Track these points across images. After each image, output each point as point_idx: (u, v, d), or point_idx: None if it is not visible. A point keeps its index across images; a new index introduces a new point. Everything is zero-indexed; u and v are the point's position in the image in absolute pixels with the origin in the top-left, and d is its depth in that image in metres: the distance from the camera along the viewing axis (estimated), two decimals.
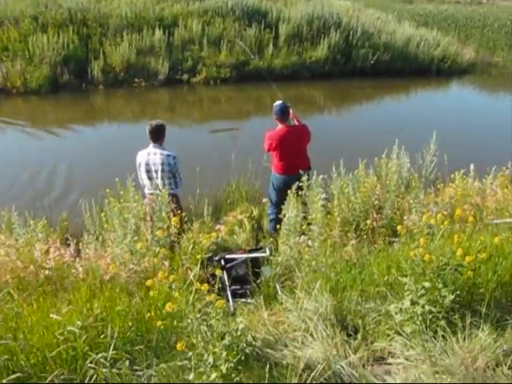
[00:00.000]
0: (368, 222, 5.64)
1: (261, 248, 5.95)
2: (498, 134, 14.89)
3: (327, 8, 22.99)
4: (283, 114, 7.06)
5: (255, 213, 8.13)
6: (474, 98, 21.36)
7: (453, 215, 5.53)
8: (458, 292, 3.36)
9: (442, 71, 22.81)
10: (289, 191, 5.60)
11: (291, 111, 7.32)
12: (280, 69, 19.74)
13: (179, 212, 6.48)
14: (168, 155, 6.60)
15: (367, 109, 18.93)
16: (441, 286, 3.32)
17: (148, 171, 6.67)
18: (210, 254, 6.09)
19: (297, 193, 5.77)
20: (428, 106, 18.48)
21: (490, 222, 5.64)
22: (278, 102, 7.18)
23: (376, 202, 6.08)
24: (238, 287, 5.39)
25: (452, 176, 6.91)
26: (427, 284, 3.33)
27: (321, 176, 6.06)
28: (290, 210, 5.20)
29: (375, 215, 5.79)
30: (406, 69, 21.95)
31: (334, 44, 20.88)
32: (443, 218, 3.73)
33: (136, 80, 18.40)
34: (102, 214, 5.92)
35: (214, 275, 5.61)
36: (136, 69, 18.66)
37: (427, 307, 3.35)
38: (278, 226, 5.93)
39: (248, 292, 5.14)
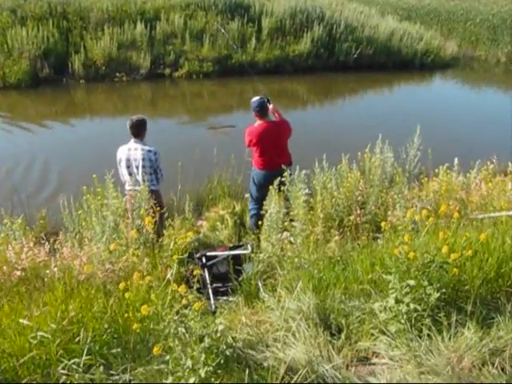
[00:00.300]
0: (351, 217, 5.56)
1: (242, 245, 5.84)
2: (480, 127, 14.95)
3: (310, 2, 22.85)
4: (261, 110, 6.92)
5: (237, 208, 8.01)
6: (457, 91, 21.38)
7: (437, 210, 5.48)
8: (444, 290, 3.28)
9: (425, 65, 22.85)
10: (270, 187, 5.50)
11: (272, 106, 7.18)
12: (263, 63, 19.63)
13: (159, 209, 6.36)
14: (149, 150, 6.44)
15: (350, 103, 18.91)
16: (426, 283, 3.23)
17: (128, 167, 6.51)
18: (190, 251, 6.03)
19: (279, 188, 5.67)
20: (411, 100, 18.51)
21: (474, 217, 5.59)
22: (256, 98, 7.02)
23: (359, 198, 6.00)
24: (219, 285, 5.28)
25: (436, 170, 6.82)
26: (412, 282, 3.25)
27: (303, 171, 5.96)
28: (272, 206, 5.10)
29: (359, 211, 5.70)
30: (389, 63, 21.99)
31: (317, 38, 20.80)
32: (428, 213, 3.63)
33: (117, 74, 18.21)
34: (80, 212, 5.76)
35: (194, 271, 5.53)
36: (117, 63, 18.46)
37: (412, 305, 3.26)
38: (259, 222, 5.82)
39: (230, 290, 5.04)
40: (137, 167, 6.45)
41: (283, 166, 5.82)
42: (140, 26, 19.20)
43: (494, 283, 3.69)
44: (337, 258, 4.78)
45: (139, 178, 6.37)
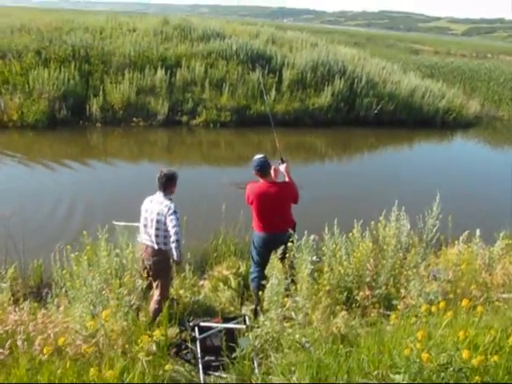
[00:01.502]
0: (361, 293, 5.09)
1: (238, 317, 5.36)
2: (504, 190, 14.47)
3: (332, 55, 22.88)
4: (261, 170, 6.41)
5: (242, 269, 7.54)
6: (479, 152, 20.98)
7: (456, 289, 5.02)
8: None
9: (447, 123, 22.55)
10: (273, 254, 5.07)
11: (283, 166, 6.72)
12: (282, 114, 19.44)
13: (161, 272, 5.95)
14: (166, 206, 6.00)
15: (368, 160, 18.55)
16: None
17: (145, 218, 6.11)
18: (183, 318, 5.61)
19: (283, 256, 5.26)
20: (431, 161, 18.12)
21: (498, 298, 5.11)
22: (258, 156, 6.51)
23: (371, 269, 5.52)
24: (212, 358, 4.81)
25: (456, 242, 6.35)
26: None
27: (312, 236, 5.54)
28: (274, 277, 4.66)
29: (370, 283, 5.24)
30: (410, 120, 21.70)
31: (337, 92, 20.64)
32: (445, 305, 3.18)
33: (134, 119, 18.11)
34: (64, 271, 5.34)
35: (188, 341, 5.08)
36: (135, 108, 18.38)
37: None
38: (260, 292, 5.36)
39: (223, 365, 4.59)
40: (151, 220, 6.04)
41: (288, 230, 5.41)
42: (160, 72, 19.22)
43: None
44: (342, 338, 4.32)
45: (151, 232, 5.97)
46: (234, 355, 4.41)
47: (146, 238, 6.04)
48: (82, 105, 17.83)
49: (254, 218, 6.56)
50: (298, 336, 4.33)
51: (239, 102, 19.29)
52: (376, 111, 20.88)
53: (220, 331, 4.92)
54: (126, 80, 18.53)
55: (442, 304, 3.18)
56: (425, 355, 2.75)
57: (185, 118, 18.64)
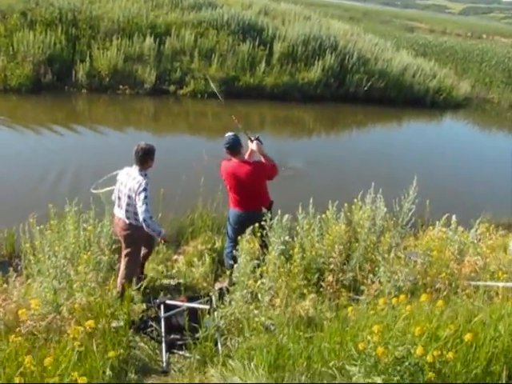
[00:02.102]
0: (330, 276, 5.01)
1: (205, 296, 5.25)
2: (488, 173, 14.49)
3: (325, 30, 22.60)
4: (231, 148, 6.20)
5: (218, 244, 7.44)
6: (467, 133, 20.94)
7: (426, 276, 4.97)
8: None
9: (437, 103, 22.44)
10: (247, 233, 4.97)
11: (254, 145, 6.55)
12: (271, 87, 19.21)
13: (130, 246, 5.86)
14: (138, 182, 5.86)
15: (355, 137, 18.47)
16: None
17: (119, 190, 5.98)
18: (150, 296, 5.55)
19: (255, 234, 5.18)
20: (419, 140, 18.04)
21: (468, 284, 5.06)
22: (228, 134, 6.35)
23: (343, 252, 5.43)
24: (178, 337, 4.74)
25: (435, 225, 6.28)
26: (379, 380, 2.72)
27: (286, 216, 5.45)
28: (243, 257, 4.57)
29: (341, 266, 5.17)
30: (400, 98, 21.59)
31: (328, 67, 20.39)
32: (405, 298, 3.10)
33: (121, 87, 17.76)
34: (27, 245, 5.23)
35: (154, 318, 5.01)
36: (122, 75, 18.01)
37: None
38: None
39: (186, 345, 4.53)
40: (124, 195, 5.92)
41: (263, 209, 5.32)
42: (149, 40, 18.81)
43: (482, 381, 3.14)
44: (308, 321, 4.27)
45: (123, 206, 5.85)
46: (197, 335, 4.36)
47: (118, 210, 5.93)
48: (68, 70, 17.42)
49: (229, 195, 6.48)
50: (263, 318, 4.27)
51: (228, 73, 19.01)
52: (366, 88, 20.68)
53: (185, 310, 4.84)
54: (113, 46, 18.11)
55: (401, 297, 3.10)
56: (380, 349, 2.68)
57: (172, 88, 18.33)
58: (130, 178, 5.84)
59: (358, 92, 20.73)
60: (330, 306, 4.75)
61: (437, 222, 6.20)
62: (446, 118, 22.65)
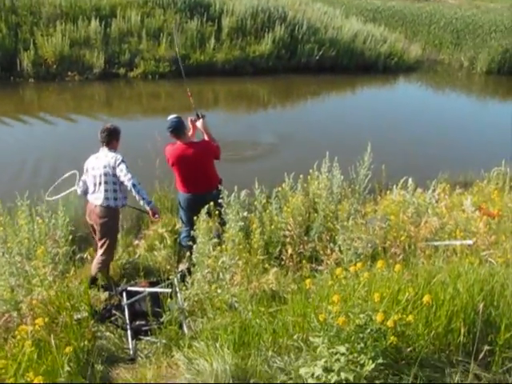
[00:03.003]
0: (290, 250, 4.98)
1: (166, 280, 5.18)
2: (442, 135, 14.64)
3: (273, 1, 22.34)
4: (175, 131, 6.14)
5: (178, 226, 7.35)
6: (420, 96, 21.08)
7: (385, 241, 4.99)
8: (380, 359, 2.73)
9: (389, 68, 22.56)
10: (202, 213, 4.90)
11: (200, 122, 6.48)
12: (222, 63, 19.03)
13: (108, 232, 5.80)
14: (112, 157, 5.74)
15: (311, 107, 18.37)
16: (359, 351, 2.69)
17: (93, 176, 5.86)
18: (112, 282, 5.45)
19: (209, 214, 5.12)
20: (373, 106, 18.09)
21: (427, 245, 5.10)
22: (171, 117, 6.24)
23: (302, 224, 5.40)
24: (143, 323, 4.68)
25: (388, 192, 6.31)
26: (342, 349, 2.70)
27: (243, 192, 5.41)
28: (200, 237, 4.51)
29: (301, 238, 5.15)
30: (352, 65, 21.63)
31: (278, 38, 20.27)
32: (363, 265, 3.08)
33: (69, 73, 17.40)
34: None
35: (117, 306, 4.94)
36: (70, 61, 17.62)
37: (343, 375, 2.72)
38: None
39: (151, 331, 4.47)
40: (100, 176, 5.79)
41: (213, 189, 5.28)
42: (94, 23, 18.32)
43: (444, 338, 3.17)
44: (273, 296, 4.25)
45: (101, 188, 5.76)
46: (162, 320, 4.31)
47: (95, 196, 5.84)
48: (13, 59, 16.90)
49: (177, 180, 6.38)
50: (227, 297, 4.24)
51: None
52: (317, 57, 20.63)
53: (147, 295, 4.77)
54: (57, 32, 17.62)
55: (359, 265, 3.08)
56: (341, 319, 2.67)
57: (122, 71, 17.99)
58: (101, 160, 5.80)
59: (309, 62, 20.67)
60: (293, 279, 4.73)
61: (394, 186, 6.22)
62: (398, 81, 22.77)
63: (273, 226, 5.07)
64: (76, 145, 10.87)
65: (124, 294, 4.90)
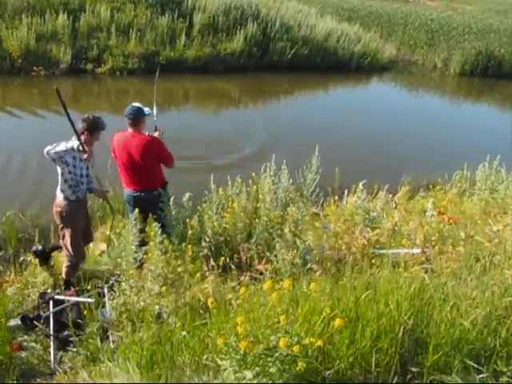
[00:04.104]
0: (221, 259, 4.74)
1: (98, 288, 4.93)
2: (411, 136, 14.57)
3: None
4: (133, 119, 5.82)
5: (128, 227, 7.09)
6: (393, 96, 21.01)
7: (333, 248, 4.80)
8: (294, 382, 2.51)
9: (362, 67, 22.44)
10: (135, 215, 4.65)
11: (156, 134, 6.23)
12: (192, 60, 18.74)
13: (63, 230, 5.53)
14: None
15: (282, 106, 18.17)
16: (267, 376, 2.47)
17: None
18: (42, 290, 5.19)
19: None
20: (344, 105, 17.99)
21: (373, 253, 4.91)
22: (135, 104, 5.97)
23: (243, 230, 5.16)
24: (70, 333, 4.42)
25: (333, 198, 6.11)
26: (249, 374, 2.48)
27: (187, 194, 5.18)
28: (131, 241, 4.27)
29: (242, 244, 4.93)
30: (325, 64, 21.50)
31: (250, 36, 20.05)
32: (290, 283, 2.84)
33: (35, 68, 16.93)
34: None
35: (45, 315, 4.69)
36: (36, 56, 17.17)
37: None
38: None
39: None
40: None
41: (155, 189, 5.04)
42: (62, 17, 17.90)
43: (370, 360, 2.96)
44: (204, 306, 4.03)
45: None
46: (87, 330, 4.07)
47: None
48: None
49: (120, 175, 6.09)
50: (156, 307, 4.01)
51: (148, 48, 18.42)
52: (290, 56, 20.42)
53: (74, 304, 4.52)
54: (23, 25, 17.18)
55: (286, 283, 2.81)
56: (243, 343, 2.45)
57: (90, 66, 17.61)
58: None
59: (282, 60, 20.47)
60: (232, 287, 4.51)
61: (345, 191, 6.03)
62: (372, 81, 22.71)
63: (211, 232, 4.83)
64: (42, 140, 10.61)
65: (51, 303, 4.63)
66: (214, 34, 19.84)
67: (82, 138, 5.31)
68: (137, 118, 5.84)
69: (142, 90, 17.93)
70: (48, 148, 5.19)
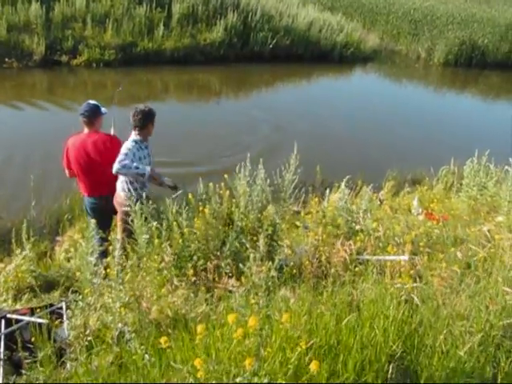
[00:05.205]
0: (202, 266, 4.34)
1: (56, 304, 4.51)
2: (394, 128, 14.25)
3: None
4: (89, 117, 5.46)
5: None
6: (377, 87, 20.68)
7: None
8: None
9: (345, 58, 22.03)
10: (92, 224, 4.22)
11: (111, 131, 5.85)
12: (171, 51, 18.24)
13: None
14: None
15: (260, 98, 17.73)
16: None
17: None
18: None
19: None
20: (326, 96, 17.61)
21: (359, 259, 4.55)
22: (89, 101, 5.55)
23: (215, 237, 4.75)
24: (26, 354, 4.00)
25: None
26: None
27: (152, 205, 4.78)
28: (90, 252, 3.86)
29: (215, 252, 4.54)
30: (307, 54, 21.09)
31: (230, 26, 19.51)
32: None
33: (7, 60, 16.32)
34: None
35: None
36: (8, 47, 16.51)
37: None
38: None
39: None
40: None
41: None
42: (35, 6, 17.20)
43: None
44: (175, 321, 3.65)
45: None
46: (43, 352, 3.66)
47: None
48: None
49: (78, 181, 5.63)
50: (120, 325, 3.61)
51: (125, 39, 17.85)
52: (271, 46, 19.98)
53: (28, 323, 4.11)
54: None
55: (252, 320, 2.41)
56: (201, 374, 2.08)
57: (64, 58, 17.01)
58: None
59: (263, 51, 20.01)
60: (205, 299, 4.12)
61: (327, 190, 5.64)
62: (355, 71, 22.34)
63: (180, 240, 4.42)
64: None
65: (2, 322, 4.20)
66: (194, 24, 19.30)
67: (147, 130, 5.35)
68: (94, 114, 5.43)
69: (119, 82, 17.44)
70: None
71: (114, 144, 5.48)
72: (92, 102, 5.58)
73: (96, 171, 5.43)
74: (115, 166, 4.95)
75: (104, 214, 4.81)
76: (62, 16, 17.79)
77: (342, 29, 23.11)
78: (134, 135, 5.34)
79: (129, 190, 5.26)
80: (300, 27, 21.54)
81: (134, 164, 5.02)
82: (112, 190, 5.31)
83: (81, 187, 5.63)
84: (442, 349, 2.63)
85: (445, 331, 2.73)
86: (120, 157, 5.01)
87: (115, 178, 5.43)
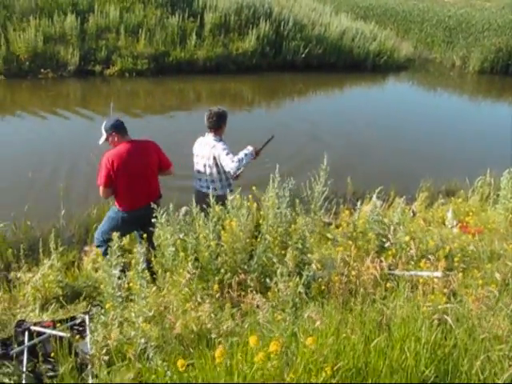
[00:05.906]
0: (230, 280, 4.23)
1: (78, 318, 4.46)
2: (430, 138, 13.98)
3: None
4: (118, 129, 5.36)
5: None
6: (411, 96, 20.37)
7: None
8: None
9: (378, 66, 21.83)
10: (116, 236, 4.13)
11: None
12: (203, 61, 18.29)
13: None
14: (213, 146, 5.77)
15: (293, 107, 17.60)
16: None
17: (197, 163, 5.96)
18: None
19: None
20: (359, 106, 17.38)
21: (391, 273, 4.40)
22: (113, 117, 5.50)
23: (241, 250, 4.64)
24: (49, 367, 3.96)
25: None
26: None
27: (183, 208, 4.71)
28: (113, 265, 3.79)
29: (243, 266, 4.44)
30: (340, 63, 20.95)
31: (263, 35, 19.51)
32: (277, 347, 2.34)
33: (43, 70, 16.57)
34: None
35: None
36: (43, 58, 16.80)
37: None
38: None
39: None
40: (204, 166, 5.83)
41: (153, 204, 4.57)
42: (71, 18, 17.50)
43: None
44: (199, 337, 3.56)
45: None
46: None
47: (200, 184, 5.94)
48: None
49: (119, 193, 5.49)
50: (142, 341, 3.53)
51: (157, 49, 17.99)
52: (304, 55, 19.89)
53: (50, 336, 4.06)
54: (31, 27, 16.81)
55: (273, 346, 2.29)
56: None
57: (98, 68, 17.21)
58: (206, 147, 5.74)
59: (295, 60, 19.94)
60: (231, 314, 4.02)
61: (358, 202, 5.50)
62: (388, 80, 22.07)
63: (207, 253, 4.33)
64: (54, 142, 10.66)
65: (26, 334, 4.17)
66: (226, 33, 19.36)
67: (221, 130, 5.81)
68: (122, 126, 5.40)
69: (152, 91, 17.60)
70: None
71: (156, 147, 5.65)
72: (114, 117, 5.57)
73: (144, 178, 5.43)
74: (234, 166, 5.39)
75: (151, 221, 4.68)
76: (96, 27, 18.04)
77: (375, 37, 22.93)
78: (211, 136, 5.70)
79: (229, 184, 5.79)
80: (332, 36, 21.43)
81: (240, 154, 5.50)
82: (152, 198, 5.28)
83: (124, 200, 5.52)
84: (478, 376, 2.48)
85: (482, 356, 2.57)
86: (228, 157, 5.44)
87: (156, 184, 5.68)
